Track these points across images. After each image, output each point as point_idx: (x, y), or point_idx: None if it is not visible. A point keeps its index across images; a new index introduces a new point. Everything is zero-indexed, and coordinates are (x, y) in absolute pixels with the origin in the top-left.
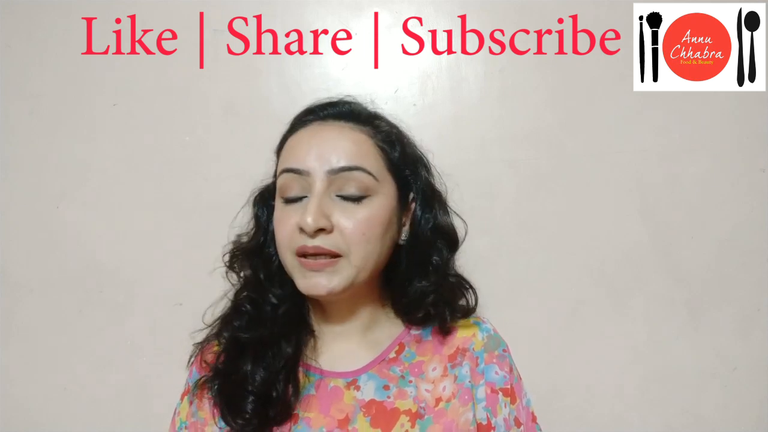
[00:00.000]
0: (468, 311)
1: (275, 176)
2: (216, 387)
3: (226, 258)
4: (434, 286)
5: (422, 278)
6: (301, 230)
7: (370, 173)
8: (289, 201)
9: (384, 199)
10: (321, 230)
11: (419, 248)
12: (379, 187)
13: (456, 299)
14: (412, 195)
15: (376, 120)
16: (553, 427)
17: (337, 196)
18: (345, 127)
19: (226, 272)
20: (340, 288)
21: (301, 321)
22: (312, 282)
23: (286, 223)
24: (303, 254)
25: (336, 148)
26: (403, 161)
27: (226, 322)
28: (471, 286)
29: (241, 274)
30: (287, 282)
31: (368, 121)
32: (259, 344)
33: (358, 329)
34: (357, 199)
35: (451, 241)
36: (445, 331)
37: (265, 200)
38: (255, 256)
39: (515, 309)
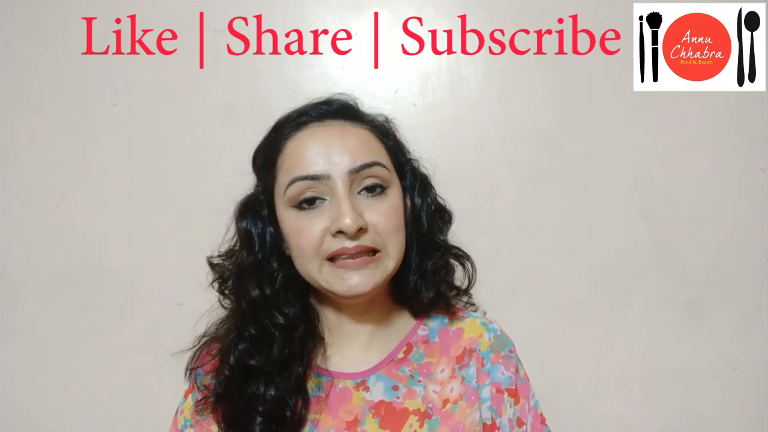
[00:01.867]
0: (468, 288)
1: (262, 185)
2: (220, 409)
3: (216, 284)
4: (443, 261)
5: (430, 258)
6: (337, 233)
7: (384, 166)
8: (304, 208)
9: (397, 188)
10: (359, 230)
11: (424, 231)
12: (392, 178)
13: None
14: (407, 181)
15: (366, 115)
16: (553, 427)
17: (359, 193)
18: (346, 125)
19: (220, 299)
20: (381, 282)
21: (310, 334)
22: (354, 282)
23: (310, 230)
24: (335, 257)
25: (347, 146)
26: (398, 150)
27: (228, 347)
28: (469, 256)
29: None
30: (294, 298)
31: (362, 117)
32: (268, 368)
33: (369, 328)
34: (379, 193)
35: (448, 217)
36: (450, 312)
37: (254, 212)
38: (255, 274)
39: (515, 309)
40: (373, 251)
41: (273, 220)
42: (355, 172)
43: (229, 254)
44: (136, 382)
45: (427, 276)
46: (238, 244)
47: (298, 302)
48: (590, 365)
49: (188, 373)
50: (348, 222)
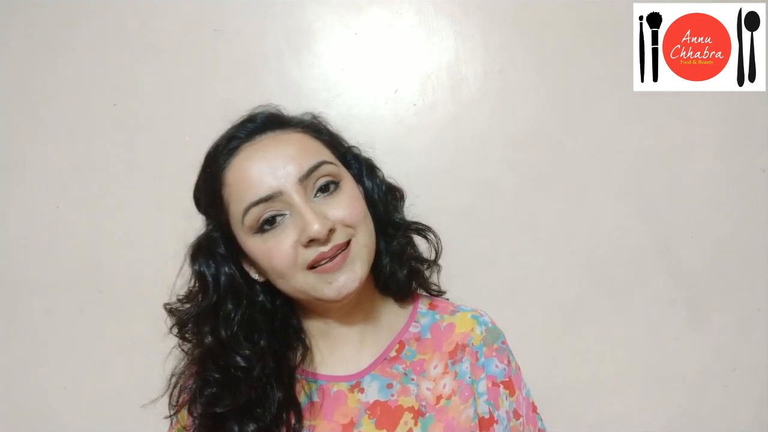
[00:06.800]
0: (436, 258)
1: (213, 222)
2: None
3: (175, 330)
4: (406, 239)
5: (393, 238)
6: (310, 242)
7: (331, 162)
8: (266, 230)
9: (349, 179)
10: (330, 231)
11: (381, 212)
12: (341, 171)
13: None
14: (354, 169)
15: (294, 118)
16: (553, 426)
17: (315, 196)
18: (277, 135)
19: (179, 344)
20: (364, 272)
21: (286, 358)
22: (341, 282)
23: (280, 248)
24: (315, 264)
25: (288, 155)
26: (335, 142)
27: (194, 395)
28: (430, 228)
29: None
30: (253, 334)
31: (290, 122)
32: (240, 409)
33: (359, 326)
34: (334, 190)
35: (399, 195)
36: (427, 290)
37: (208, 252)
38: (211, 318)
39: (515, 309)
40: (347, 244)
41: (232, 256)
42: (304, 178)
43: (188, 297)
44: (136, 382)
45: (396, 256)
46: (196, 286)
47: (264, 335)
48: (590, 365)
49: (172, 419)
50: (317, 228)
